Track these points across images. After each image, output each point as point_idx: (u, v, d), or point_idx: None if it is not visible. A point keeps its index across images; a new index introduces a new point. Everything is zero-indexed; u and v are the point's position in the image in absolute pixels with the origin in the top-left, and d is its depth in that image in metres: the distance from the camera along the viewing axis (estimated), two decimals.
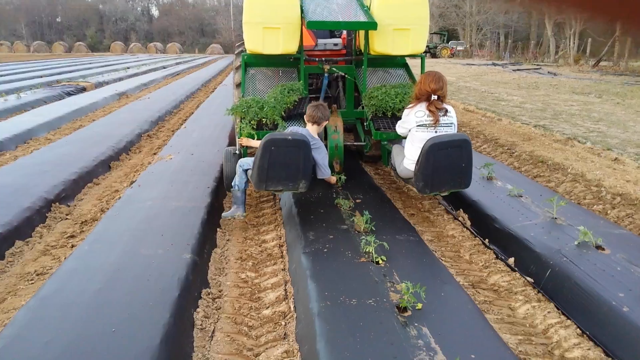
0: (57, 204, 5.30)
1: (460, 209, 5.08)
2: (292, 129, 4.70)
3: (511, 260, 4.02)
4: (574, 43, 33.38)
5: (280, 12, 5.22)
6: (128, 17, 79.91)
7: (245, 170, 4.68)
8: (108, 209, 5.27)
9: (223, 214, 4.81)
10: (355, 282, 3.28)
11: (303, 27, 5.33)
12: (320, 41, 6.58)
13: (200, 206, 4.88)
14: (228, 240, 4.58)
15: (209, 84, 20.16)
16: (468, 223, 4.84)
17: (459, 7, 54.20)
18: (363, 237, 3.88)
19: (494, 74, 25.40)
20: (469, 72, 27.00)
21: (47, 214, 5.05)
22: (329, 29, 6.93)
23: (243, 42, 6.29)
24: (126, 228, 4.31)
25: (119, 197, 5.51)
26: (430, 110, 4.39)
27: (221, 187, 5.81)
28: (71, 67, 27.96)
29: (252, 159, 4.42)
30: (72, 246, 4.44)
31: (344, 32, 6.69)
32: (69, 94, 14.78)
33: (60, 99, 13.56)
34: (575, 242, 3.85)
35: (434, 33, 53.36)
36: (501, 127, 9.57)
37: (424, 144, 4.18)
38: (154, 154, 7.84)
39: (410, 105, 4.57)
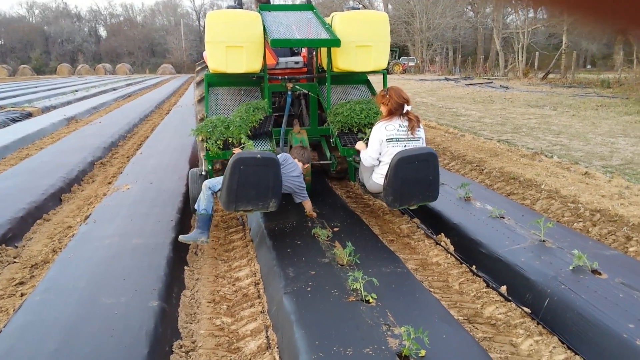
0: (4, 245, 4.80)
1: (442, 233, 4.86)
2: (283, 155, 4.66)
3: (504, 289, 3.79)
4: (522, 57, 34.31)
5: (243, 31, 5.16)
6: (75, 39, 77.86)
7: (213, 192, 4.49)
8: (61, 249, 4.80)
9: (182, 237, 4.42)
10: (347, 326, 2.97)
11: (266, 46, 5.28)
12: (282, 59, 6.52)
13: (164, 242, 4.47)
14: (197, 279, 4.20)
15: (163, 106, 19.58)
16: (451, 248, 4.61)
17: (408, 23, 55.12)
18: (348, 271, 3.60)
19: (448, 89, 25.74)
20: (423, 88, 27.30)
21: None
22: (290, 47, 6.88)
23: (203, 61, 6.33)
24: (83, 272, 3.87)
25: (73, 235, 5.04)
26: (408, 119, 4.48)
27: (186, 219, 5.42)
28: (15, 91, 26.74)
29: (220, 179, 4.31)
30: (22, 295, 3.97)
31: (304, 50, 6.68)
32: (14, 121, 13.99)
33: (4, 127, 12.79)
34: (570, 267, 3.65)
35: None
36: (466, 143, 9.49)
37: (392, 158, 4.20)
38: (109, 183, 7.36)
39: (380, 122, 4.53)
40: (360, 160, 4.81)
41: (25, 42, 75.77)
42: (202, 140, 4.93)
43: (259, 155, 4.06)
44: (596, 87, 24.21)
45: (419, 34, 54.76)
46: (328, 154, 5.85)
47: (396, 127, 4.45)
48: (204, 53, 6.02)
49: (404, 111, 4.47)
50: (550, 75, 31.82)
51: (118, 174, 7.64)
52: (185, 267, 4.32)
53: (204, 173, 5.21)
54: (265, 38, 5.20)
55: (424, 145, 4.56)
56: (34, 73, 63.80)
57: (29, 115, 15.26)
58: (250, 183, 4.04)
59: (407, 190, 4.30)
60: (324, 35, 5.20)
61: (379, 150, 4.48)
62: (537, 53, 35.64)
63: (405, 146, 4.41)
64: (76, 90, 25.96)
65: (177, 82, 37.33)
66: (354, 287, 3.34)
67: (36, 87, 31.62)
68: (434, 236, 4.93)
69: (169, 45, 72.93)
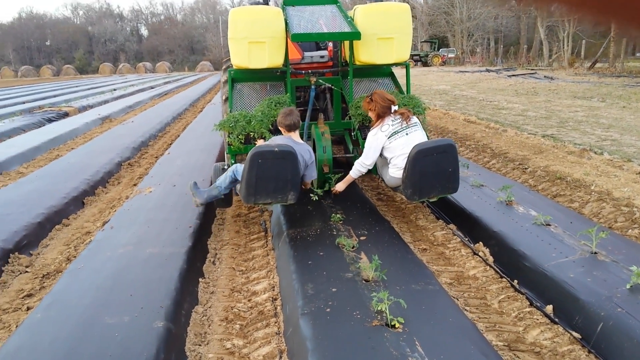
0: (17, 253, 4.62)
1: (480, 242, 4.43)
2: (274, 140, 4.61)
3: (549, 309, 3.36)
4: (567, 46, 32.97)
5: (265, 26, 5.17)
6: (117, 38, 79.54)
7: (234, 179, 4.66)
8: (75, 257, 4.60)
9: (192, 184, 4.86)
10: (369, 356, 2.61)
11: (289, 40, 5.30)
12: (307, 54, 6.51)
13: (179, 252, 4.20)
14: (212, 293, 3.90)
15: (197, 103, 19.53)
16: (490, 259, 4.18)
17: (448, 14, 53.94)
18: (373, 288, 3.25)
19: (489, 81, 24.90)
20: (463, 80, 26.51)
21: (3, 268, 4.36)
22: (314, 41, 6.81)
23: (229, 58, 6.25)
24: (90, 286, 3.63)
25: (89, 242, 4.84)
26: (400, 113, 4.60)
27: (206, 225, 5.15)
28: (56, 91, 27.29)
29: None
30: (28, 309, 3.76)
31: (330, 44, 6.69)
32: (50, 121, 14.10)
33: (40, 126, 12.89)
34: (628, 285, 3.19)
35: (425, 41, 53.07)
36: (508, 139, 8.94)
37: (410, 152, 4.25)
38: (134, 185, 7.17)
39: (373, 128, 4.67)
40: (383, 176, 4.93)
41: (69, 42, 77.87)
42: (225, 135, 5.03)
43: (276, 149, 4.09)
44: None
45: (459, 24, 53.52)
46: (351, 147, 5.79)
47: (389, 123, 4.57)
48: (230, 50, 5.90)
49: (392, 111, 4.60)
50: (598, 65, 30.48)
51: (144, 175, 7.45)
52: (200, 279, 4.03)
53: (226, 167, 5.21)
54: (287, 33, 5.18)
55: (423, 132, 4.66)
56: (77, 73, 65.42)
57: (66, 115, 15.38)
58: (268, 176, 4.09)
59: (426, 183, 4.31)
60: (345, 28, 5.16)
61: (376, 155, 4.64)
62: (583, 41, 34.16)
63: (407, 134, 4.51)
64: (114, 89, 26.28)
65: (214, 79, 37.45)
66: (379, 308, 2.97)
67: (77, 86, 32.23)
68: (472, 245, 4.51)
69: (207, 43, 73.59)
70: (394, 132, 4.53)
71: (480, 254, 4.29)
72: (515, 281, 3.78)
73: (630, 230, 4.63)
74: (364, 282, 3.43)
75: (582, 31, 36.89)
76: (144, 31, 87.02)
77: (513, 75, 27.82)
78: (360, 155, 5.59)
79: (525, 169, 6.92)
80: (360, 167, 4.75)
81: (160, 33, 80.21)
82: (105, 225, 5.07)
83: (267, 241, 4.83)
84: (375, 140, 4.60)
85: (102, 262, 4.06)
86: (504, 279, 3.86)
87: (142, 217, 5.14)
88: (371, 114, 4.77)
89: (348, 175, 4.91)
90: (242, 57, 5.24)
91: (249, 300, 3.71)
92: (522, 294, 3.62)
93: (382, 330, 2.82)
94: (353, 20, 5.40)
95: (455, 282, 3.89)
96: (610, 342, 2.86)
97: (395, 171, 4.54)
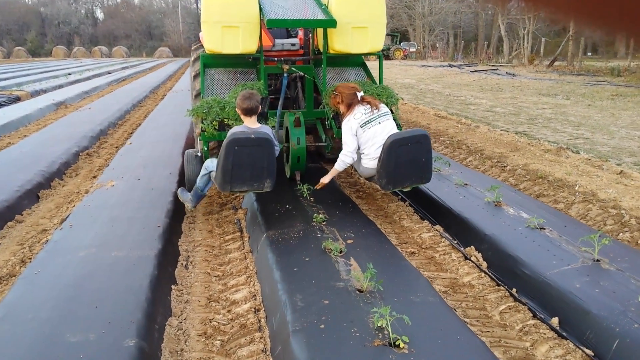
0: None
1: (472, 246, 4.20)
2: (231, 131, 4.46)
3: (555, 322, 3.14)
4: (527, 43, 33.47)
5: (239, 10, 5.09)
6: (71, 21, 76.41)
7: (209, 172, 4.66)
8: (30, 259, 4.15)
9: (179, 192, 5.03)
10: None
11: (262, 27, 5.23)
12: (278, 41, 6.37)
13: (148, 255, 3.80)
14: (186, 302, 3.53)
15: (158, 91, 18.79)
16: (484, 265, 3.95)
17: (409, 7, 54.06)
18: (369, 300, 2.96)
19: (452, 76, 25.00)
20: (427, 74, 26.54)
21: None
22: (287, 28, 6.88)
23: (199, 42, 6.21)
24: (48, 296, 3.21)
25: (46, 241, 4.38)
26: (368, 102, 4.61)
27: (175, 224, 4.76)
28: (7, 73, 25.88)
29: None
30: None
31: (301, 32, 6.60)
32: (1, 105, 13.23)
33: None
34: None
35: (386, 34, 53.05)
36: (482, 136, 8.80)
37: (385, 141, 4.25)
38: (94, 177, 6.68)
39: (346, 118, 4.63)
40: (355, 167, 4.89)
41: (20, 23, 74.30)
42: (198, 121, 4.96)
43: (252, 136, 4.06)
44: (605, 75, 23.49)
45: (420, 19, 53.73)
46: (323, 137, 5.66)
47: (362, 112, 4.55)
48: (200, 34, 5.80)
49: (359, 98, 4.61)
50: (556, 63, 31.02)
51: (104, 167, 6.96)
52: (173, 287, 3.66)
53: (199, 154, 5.20)
54: (261, 19, 5.10)
55: (391, 117, 4.71)
56: (29, 55, 62.60)
57: (17, 99, 14.50)
58: (244, 163, 4.06)
59: (400, 173, 4.34)
60: (320, 15, 5.11)
61: (355, 142, 4.56)
62: (542, 39, 34.75)
63: (379, 123, 4.52)
64: (69, 74, 25.14)
65: (174, 66, 36.42)
66: (379, 324, 2.68)
67: (29, 69, 30.71)
68: (462, 249, 4.27)
69: (166, 29, 71.62)
70: (367, 121, 4.52)
71: (473, 258, 4.06)
72: (514, 290, 3.56)
73: (621, 234, 4.49)
74: (357, 292, 3.13)
75: (539, 29, 37.53)
76: (99, 14, 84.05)
77: (475, 71, 28.03)
78: (333, 143, 5.62)
79: (504, 167, 6.76)
80: (345, 157, 4.62)
81: (117, 17, 77.49)
82: (64, 223, 4.61)
83: (243, 243, 4.48)
84: (350, 127, 4.57)
85: (61, 267, 3.63)
86: (502, 287, 3.63)
87: (105, 214, 4.70)
88: (341, 107, 4.74)
89: (333, 168, 4.76)
90: (215, 41, 5.12)
91: (229, 311, 3.37)
92: (523, 304, 3.39)
93: (386, 352, 2.52)
94: (327, 8, 5.33)
95: (450, 290, 3.64)
96: None
97: (368, 161, 4.53)
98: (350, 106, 4.62)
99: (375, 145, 4.45)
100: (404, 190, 4.76)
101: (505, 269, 3.76)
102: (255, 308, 3.35)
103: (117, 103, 13.39)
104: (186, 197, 4.92)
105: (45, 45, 70.00)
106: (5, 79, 21.50)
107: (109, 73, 27.90)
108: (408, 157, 4.29)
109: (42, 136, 8.78)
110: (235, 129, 4.42)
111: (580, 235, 3.94)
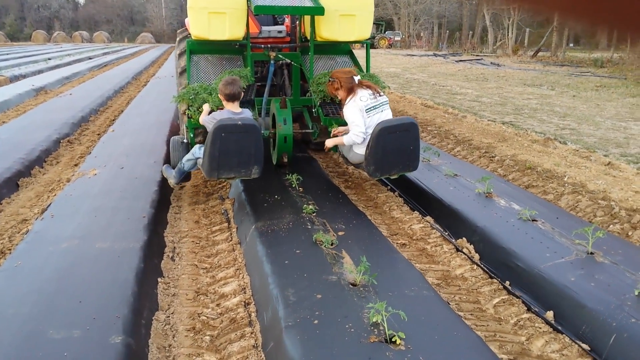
0: None
1: (463, 238, 4.15)
2: (214, 115, 4.47)
3: (550, 315, 3.10)
4: (512, 33, 33.54)
5: None
6: (51, 5, 74.85)
7: (197, 159, 4.68)
8: (10, 250, 4.00)
9: (164, 168, 5.16)
10: None
11: (249, 13, 5.18)
12: (264, 28, 6.33)
13: (134, 247, 3.69)
14: (174, 295, 3.43)
15: (141, 77, 18.47)
16: (476, 257, 3.90)
17: None
18: (363, 295, 2.90)
19: (437, 66, 24.97)
20: (412, 63, 26.49)
21: None
22: (274, 14, 6.83)
23: (185, 28, 6.18)
24: (29, 290, 3.09)
25: (26, 232, 4.24)
26: (369, 87, 4.58)
27: (161, 214, 4.64)
28: None
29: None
30: None
31: (287, 19, 6.55)
32: None
33: None
34: (636, 292, 2.97)
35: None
36: (469, 126, 8.76)
37: (374, 129, 4.24)
38: (75, 165, 6.50)
39: (348, 100, 4.54)
40: (345, 153, 4.83)
41: None
42: (184, 108, 4.89)
43: (239, 122, 4.05)
44: (589, 66, 23.64)
45: (405, 8, 53.55)
46: (310, 124, 5.70)
47: (367, 96, 4.50)
48: (186, 20, 5.78)
49: (357, 81, 4.57)
50: (540, 53, 31.14)
51: (86, 154, 6.78)
52: (159, 280, 3.55)
53: (185, 141, 5.14)
54: (248, 5, 5.04)
55: (389, 110, 4.65)
56: (8, 40, 61.21)
57: None
58: (231, 150, 4.04)
59: (388, 160, 4.34)
60: (307, 3, 5.07)
61: (364, 122, 4.46)
62: (527, 30, 34.84)
63: (382, 111, 4.52)
64: (49, 59, 24.63)
65: (157, 52, 35.89)
66: (374, 320, 2.61)
67: (7, 54, 30.03)
68: (453, 240, 4.22)
69: (148, 14, 70.59)
70: (372, 107, 4.49)
71: (465, 250, 4.01)
72: (508, 282, 3.51)
73: (611, 226, 4.47)
74: (351, 286, 3.06)
75: (524, 20, 37.62)
76: None
77: (460, 61, 28.03)
78: (320, 130, 5.60)
79: (493, 157, 6.72)
80: (355, 137, 4.46)
81: (98, 1, 75.99)
82: (45, 213, 4.46)
83: (231, 234, 4.37)
84: (354, 108, 4.46)
85: (43, 259, 3.50)
86: (495, 280, 3.59)
87: (87, 204, 4.56)
88: (340, 93, 4.66)
89: (341, 137, 4.64)
90: (201, 27, 5.03)
91: (218, 305, 3.27)
92: (517, 297, 3.35)
93: (382, 348, 2.46)
94: None
95: (443, 283, 3.59)
96: (627, 357, 2.62)
97: (360, 148, 4.52)
98: (350, 90, 4.56)
99: (368, 133, 4.42)
100: (391, 177, 4.79)
101: (498, 262, 3.72)
102: (245, 302, 3.27)
103: (99, 89, 13.11)
104: (170, 173, 4.98)
105: (25, 30, 68.60)
106: None
107: (90, 59, 27.39)
108: (396, 145, 4.29)
109: (21, 122, 8.54)
110: (217, 114, 4.45)
111: (572, 227, 3.91)
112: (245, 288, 3.45)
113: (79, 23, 73.54)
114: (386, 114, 4.55)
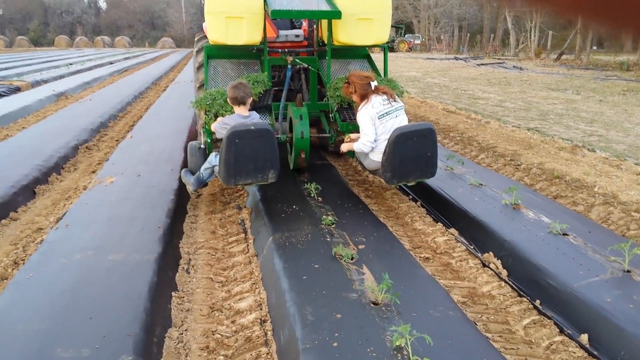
0: None
1: (490, 252, 3.96)
2: (224, 120, 4.48)
3: (584, 339, 2.91)
4: (534, 36, 33.05)
5: (243, 1, 5.02)
6: (74, 10, 75.99)
7: (213, 167, 4.72)
8: (24, 260, 3.93)
9: (182, 173, 5.15)
10: None
11: (266, 18, 5.17)
12: (282, 32, 6.34)
13: (148, 260, 3.58)
14: (188, 311, 3.31)
15: (160, 82, 18.53)
16: (504, 273, 3.72)
17: None
18: (384, 316, 2.73)
19: (459, 69, 24.68)
20: (433, 67, 26.22)
21: None
22: (291, 19, 6.79)
23: (203, 34, 6.18)
24: (39, 305, 2.99)
25: (40, 242, 4.17)
26: (384, 92, 4.51)
27: (177, 224, 4.54)
28: (8, 63, 25.66)
29: None
30: None
31: (305, 23, 6.54)
32: (0, 95, 13.00)
33: None
34: None
35: (391, 26, 52.46)
36: (493, 132, 8.54)
37: (390, 135, 4.19)
38: (93, 172, 6.45)
39: (361, 107, 4.53)
40: (361, 159, 4.82)
41: (24, 13, 73.85)
42: (201, 113, 4.89)
43: (253, 127, 4.03)
44: (614, 69, 23.14)
45: (425, 10, 53.24)
46: (327, 129, 5.64)
47: (380, 102, 4.46)
48: (204, 24, 5.82)
49: (373, 87, 4.51)
50: (563, 56, 30.64)
51: (104, 161, 6.73)
52: (173, 294, 3.43)
53: (202, 146, 5.13)
54: (265, 9, 5.02)
55: (405, 115, 4.59)
56: (31, 45, 62.30)
57: (17, 89, 14.24)
58: (247, 156, 4.02)
59: (405, 167, 4.28)
60: (324, 7, 5.03)
61: (375, 132, 4.45)
62: (550, 32, 34.32)
63: (396, 117, 4.46)
64: (70, 64, 24.88)
65: (177, 57, 36.12)
66: (398, 344, 2.46)
67: (31, 59, 30.44)
68: (479, 254, 4.04)
69: (169, 19, 71.22)
70: (385, 113, 4.45)
71: (492, 266, 3.83)
72: (538, 301, 3.32)
73: None
74: (372, 305, 2.91)
75: (546, 22, 37.08)
76: (102, 4, 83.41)
77: (482, 64, 27.69)
78: (337, 134, 5.53)
79: (518, 165, 6.51)
80: (363, 147, 4.52)
81: (120, 6, 77.01)
82: (60, 222, 4.38)
83: (248, 245, 4.25)
84: (369, 117, 4.45)
85: (55, 272, 3.41)
86: (525, 299, 3.40)
87: (103, 213, 4.47)
88: (354, 97, 4.67)
89: (354, 143, 4.66)
90: (219, 32, 5.05)
91: (233, 322, 3.14)
92: (548, 318, 3.16)
93: None
94: None
95: (469, 301, 3.41)
96: None
97: (375, 154, 4.48)
98: (364, 96, 4.53)
99: (384, 140, 4.37)
100: (408, 184, 4.74)
101: (527, 279, 3.53)
102: (261, 319, 3.13)
103: (119, 94, 13.15)
104: (189, 179, 4.97)
105: (48, 35, 69.68)
106: (6, 69, 21.27)
107: (111, 63, 27.62)
108: (413, 151, 4.23)
109: (40, 128, 8.55)
110: (226, 119, 4.48)
111: (605, 242, 3.71)
112: (261, 304, 3.31)
113: (101, 28, 74.50)
114: (401, 120, 4.51)
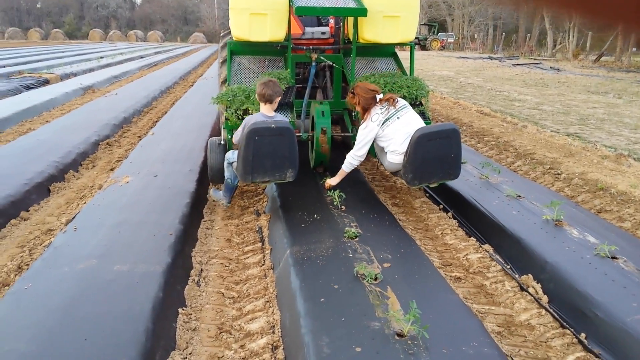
0: None
1: (529, 274, 3.58)
2: (247, 119, 4.40)
3: None
4: (573, 37, 32.04)
5: None
6: (109, 4, 77.08)
7: (231, 164, 4.60)
8: (28, 266, 3.71)
9: (211, 192, 5.03)
10: None
11: (291, 14, 5.09)
12: (308, 29, 6.22)
13: (155, 271, 3.31)
14: (194, 330, 3.03)
15: (188, 77, 18.42)
16: (544, 299, 3.34)
17: None
18: (410, 351, 2.40)
19: (493, 69, 24.03)
20: (466, 67, 25.60)
21: None
22: (317, 16, 6.77)
23: (228, 30, 6.04)
24: (32, 321, 2.75)
25: (48, 245, 3.95)
26: (385, 100, 4.44)
27: (191, 230, 4.27)
28: (41, 55, 25.94)
29: (237, 151, 4.23)
30: None
31: (332, 20, 6.36)
32: (29, 88, 13.00)
33: (16, 94, 11.81)
34: None
35: (424, 24, 51.72)
36: (530, 137, 8.08)
37: (412, 136, 4.10)
38: (111, 169, 6.26)
39: (363, 123, 4.49)
40: (381, 161, 4.72)
41: (60, 6, 75.34)
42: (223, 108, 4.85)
43: (273, 125, 3.98)
44: None
45: (459, 9, 52.29)
46: (350, 127, 5.51)
47: (377, 113, 4.42)
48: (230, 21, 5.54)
49: (377, 101, 4.47)
50: (603, 58, 29.61)
51: (123, 159, 6.53)
52: (180, 310, 3.16)
53: (223, 142, 5.08)
54: (290, 6, 4.95)
55: (411, 109, 4.52)
56: (66, 38, 63.41)
57: (46, 82, 14.26)
58: (265, 153, 3.97)
59: (427, 168, 4.17)
60: (350, 4, 4.95)
61: (366, 150, 4.47)
62: (589, 33, 33.23)
63: (398, 118, 4.39)
64: (101, 57, 25.03)
65: (207, 52, 36.12)
66: None
67: (63, 52, 30.81)
68: (517, 276, 3.66)
69: (201, 14, 71.70)
70: (385, 119, 4.40)
71: (531, 290, 3.45)
72: (583, 335, 2.95)
73: None
74: (397, 337, 2.57)
75: (585, 23, 35.89)
76: None
77: (517, 64, 26.93)
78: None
79: (558, 174, 6.07)
80: (352, 160, 4.51)
81: (154, 1, 77.78)
82: (69, 224, 4.16)
83: (264, 256, 3.95)
84: (368, 132, 4.42)
85: (54, 283, 3.17)
86: (568, 331, 3.03)
87: (113, 217, 4.23)
88: (357, 108, 4.59)
89: (341, 170, 4.59)
90: (242, 28, 5.00)
91: (242, 347, 2.85)
92: (596, 356, 2.79)
93: None
94: None
95: (505, 331, 3.05)
96: None
97: (394, 157, 4.38)
98: (366, 110, 4.50)
99: (398, 140, 4.31)
100: (430, 186, 4.66)
101: (571, 308, 3.15)
102: (273, 345, 2.83)
103: (145, 89, 13.02)
104: (219, 196, 4.88)
105: (83, 28, 70.84)
106: (38, 61, 21.49)
107: (142, 57, 27.73)
108: (436, 153, 4.12)
109: (63, 122, 8.41)
110: (249, 118, 4.39)
111: None
112: (274, 326, 3.01)
113: (134, 22, 75.47)
114: (405, 119, 4.38)
